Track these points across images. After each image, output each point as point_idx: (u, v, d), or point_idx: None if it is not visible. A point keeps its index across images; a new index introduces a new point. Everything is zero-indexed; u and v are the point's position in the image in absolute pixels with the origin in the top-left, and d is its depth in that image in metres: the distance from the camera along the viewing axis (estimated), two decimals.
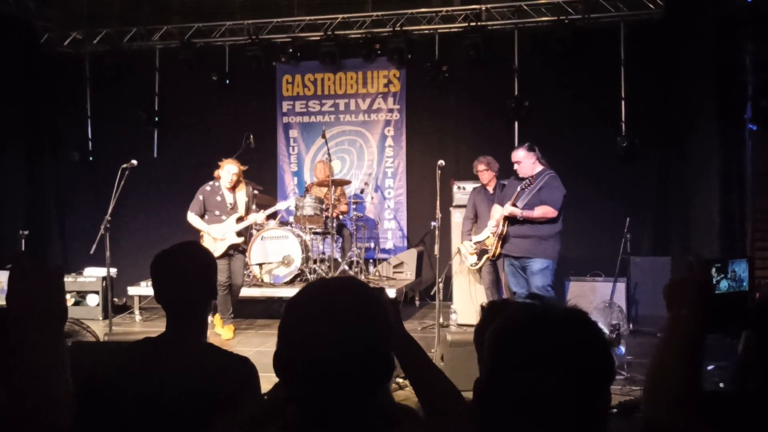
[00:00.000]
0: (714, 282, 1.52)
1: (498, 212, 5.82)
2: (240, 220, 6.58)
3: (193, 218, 6.61)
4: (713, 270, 1.59)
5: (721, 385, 4.09)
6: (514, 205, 5.58)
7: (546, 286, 5.55)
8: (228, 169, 6.51)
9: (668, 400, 1.20)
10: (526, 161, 5.66)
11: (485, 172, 6.65)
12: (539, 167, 5.68)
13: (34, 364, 1.09)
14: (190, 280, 1.91)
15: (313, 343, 1.16)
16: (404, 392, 4.60)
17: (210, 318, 6.71)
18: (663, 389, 1.22)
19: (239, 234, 6.56)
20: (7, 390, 1.10)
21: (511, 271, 5.79)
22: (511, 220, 5.65)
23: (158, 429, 1.67)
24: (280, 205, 7.70)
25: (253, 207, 6.74)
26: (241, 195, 6.67)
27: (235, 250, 6.61)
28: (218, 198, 6.61)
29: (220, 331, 6.66)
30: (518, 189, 5.59)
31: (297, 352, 1.18)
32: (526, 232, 5.58)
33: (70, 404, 1.13)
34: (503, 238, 5.73)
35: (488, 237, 6.00)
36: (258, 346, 6.17)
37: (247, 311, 7.60)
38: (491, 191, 6.67)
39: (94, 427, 1.62)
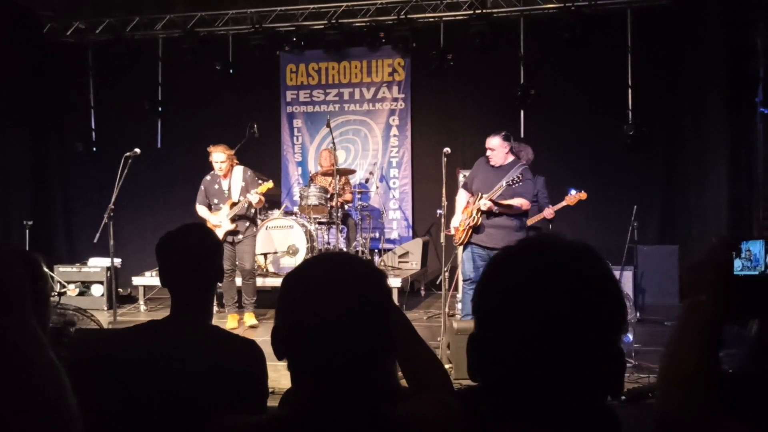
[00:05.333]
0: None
1: (464, 198, 5.83)
2: (233, 205, 6.51)
3: (200, 209, 6.59)
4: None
5: (730, 371, 4.05)
6: (490, 199, 5.56)
7: None
8: (215, 158, 6.43)
9: (683, 391, 1.15)
10: (500, 150, 5.68)
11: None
12: (511, 158, 5.75)
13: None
14: (196, 261, 1.88)
15: (313, 310, 1.12)
16: None
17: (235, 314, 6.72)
18: (677, 379, 1.16)
19: (233, 220, 6.49)
20: None
21: (471, 257, 5.74)
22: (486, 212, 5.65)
23: (163, 410, 1.63)
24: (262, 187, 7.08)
25: (254, 190, 6.61)
26: (236, 180, 6.56)
27: (235, 236, 6.55)
28: (216, 186, 6.57)
29: (250, 321, 6.67)
30: (503, 184, 5.51)
31: (296, 322, 1.14)
32: (500, 222, 5.60)
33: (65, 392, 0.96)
34: (475, 228, 5.72)
35: (460, 222, 5.90)
36: (263, 335, 6.13)
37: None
38: None
39: (98, 408, 1.59)
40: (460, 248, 6.03)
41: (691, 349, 1.14)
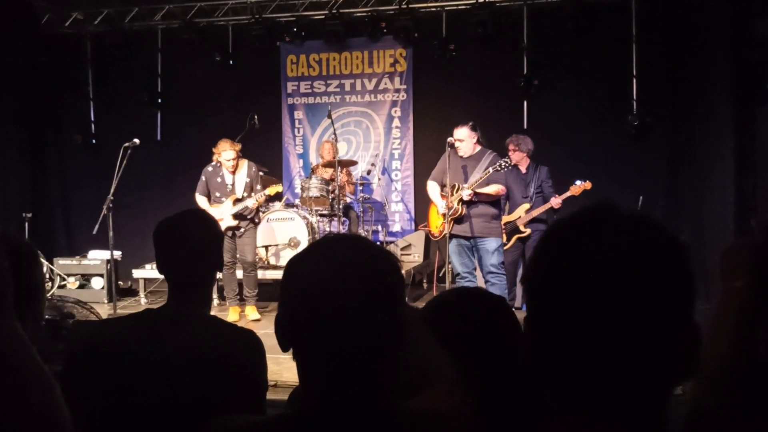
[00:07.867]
0: None
1: (435, 189, 5.89)
2: (237, 202, 6.46)
3: (199, 199, 6.53)
4: None
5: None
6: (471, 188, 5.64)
7: (500, 264, 5.66)
8: (225, 156, 6.36)
9: (718, 381, 1.07)
10: (468, 140, 5.76)
11: (514, 153, 6.61)
12: (479, 147, 5.81)
13: None
14: (195, 249, 1.80)
15: (322, 296, 1.03)
16: None
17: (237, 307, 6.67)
18: (712, 370, 1.08)
19: (235, 216, 6.44)
20: None
21: (458, 251, 5.77)
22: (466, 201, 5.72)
23: (159, 398, 1.57)
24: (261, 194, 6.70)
25: (258, 187, 6.56)
26: (241, 176, 6.52)
27: (236, 229, 6.49)
28: (218, 179, 6.50)
29: (252, 314, 6.64)
30: (490, 170, 5.57)
31: (303, 309, 1.06)
32: (480, 212, 5.68)
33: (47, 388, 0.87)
34: (457, 220, 5.73)
35: (444, 214, 5.90)
36: (265, 328, 6.06)
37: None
38: (524, 170, 6.70)
39: (93, 396, 1.53)
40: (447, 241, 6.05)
41: (727, 338, 1.06)
